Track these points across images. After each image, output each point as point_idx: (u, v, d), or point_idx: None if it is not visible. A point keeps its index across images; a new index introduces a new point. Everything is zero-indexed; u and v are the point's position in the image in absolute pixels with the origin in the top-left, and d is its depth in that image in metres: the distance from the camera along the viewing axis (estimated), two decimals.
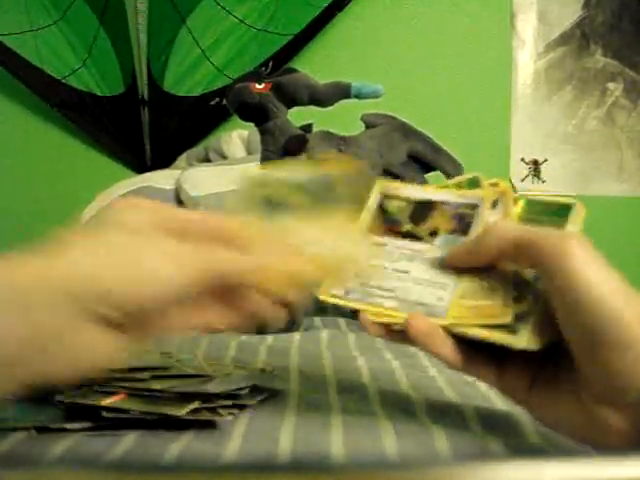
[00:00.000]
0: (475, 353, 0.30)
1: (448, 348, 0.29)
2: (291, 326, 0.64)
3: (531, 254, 0.27)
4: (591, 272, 0.26)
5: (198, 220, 0.30)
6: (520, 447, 0.31)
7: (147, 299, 0.26)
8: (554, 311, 0.27)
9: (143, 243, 0.27)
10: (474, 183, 0.33)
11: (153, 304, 0.27)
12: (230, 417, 0.33)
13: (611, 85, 1.44)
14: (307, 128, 0.71)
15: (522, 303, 0.29)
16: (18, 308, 0.24)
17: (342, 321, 0.70)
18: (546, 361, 0.29)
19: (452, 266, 0.31)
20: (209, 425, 0.33)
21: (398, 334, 0.31)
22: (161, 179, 1.10)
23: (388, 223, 0.34)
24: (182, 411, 0.32)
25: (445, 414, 0.35)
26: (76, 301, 0.25)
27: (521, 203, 0.33)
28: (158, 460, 0.29)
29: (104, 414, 0.32)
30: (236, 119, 0.77)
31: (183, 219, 0.29)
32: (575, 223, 0.31)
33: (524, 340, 0.28)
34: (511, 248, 0.28)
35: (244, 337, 0.62)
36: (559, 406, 0.28)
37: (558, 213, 0.31)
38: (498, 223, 0.30)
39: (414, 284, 0.32)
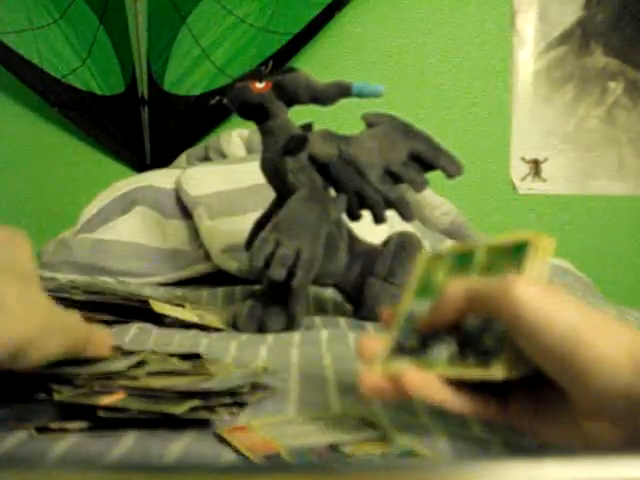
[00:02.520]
0: (474, 396, 0.30)
1: (446, 395, 0.30)
2: (291, 325, 0.64)
3: (481, 306, 0.29)
4: (538, 312, 0.26)
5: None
6: (520, 447, 0.31)
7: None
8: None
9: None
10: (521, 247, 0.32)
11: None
12: (228, 416, 0.33)
13: (611, 84, 1.44)
14: (307, 127, 0.71)
15: (488, 339, 0.29)
16: None
17: (342, 321, 0.70)
18: (540, 388, 0.30)
19: (425, 329, 0.32)
20: (205, 424, 0.33)
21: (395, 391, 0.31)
22: (161, 179, 1.09)
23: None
24: (180, 409, 0.32)
25: (445, 414, 0.35)
26: None
27: (482, 251, 0.33)
28: (158, 460, 0.29)
29: (100, 414, 0.32)
30: (236, 118, 0.77)
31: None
32: (533, 259, 0.31)
33: (499, 371, 0.28)
34: (464, 304, 0.30)
35: (244, 336, 0.62)
36: (560, 429, 0.29)
37: (515, 254, 0.32)
38: (451, 282, 0.31)
39: None
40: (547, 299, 0.27)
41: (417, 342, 0.32)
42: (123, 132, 1.39)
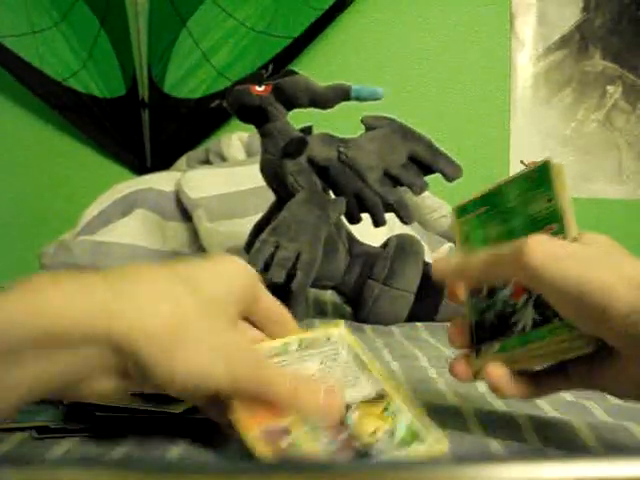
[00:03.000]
0: (535, 378, 0.31)
1: (517, 388, 0.30)
2: None
3: (502, 274, 0.30)
4: (557, 270, 0.27)
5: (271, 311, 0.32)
6: (520, 447, 0.31)
7: (186, 390, 0.27)
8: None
9: (204, 326, 0.27)
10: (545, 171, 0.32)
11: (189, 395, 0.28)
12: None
13: (610, 88, 1.45)
14: (307, 130, 0.71)
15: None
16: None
17: (342, 322, 0.70)
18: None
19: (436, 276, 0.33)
20: (205, 424, 0.33)
21: None
22: (161, 181, 1.10)
23: None
24: (179, 409, 0.32)
25: (445, 415, 0.35)
26: (117, 354, 0.25)
27: (507, 188, 0.33)
28: (158, 460, 0.29)
29: (97, 414, 0.32)
30: (236, 121, 0.77)
31: (260, 306, 0.32)
32: (560, 181, 0.31)
33: (586, 344, 0.28)
34: (485, 272, 0.31)
35: None
36: (617, 379, 0.29)
37: (541, 180, 0.32)
38: (464, 259, 0.32)
39: None
40: (555, 261, 0.27)
41: (495, 315, 0.31)
42: (123, 135, 1.39)
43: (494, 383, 0.30)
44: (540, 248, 0.28)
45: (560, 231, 0.31)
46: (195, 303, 0.27)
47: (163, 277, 0.28)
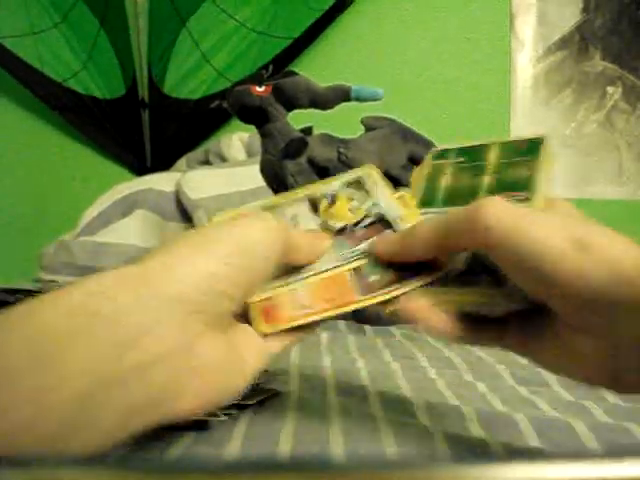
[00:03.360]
0: (472, 324, 0.29)
1: (448, 325, 0.29)
2: None
3: (454, 240, 0.28)
4: (511, 231, 0.25)
5: None
6: (520, 447, 0.31)
7: (259, 271, 0.26)
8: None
9: (228, 220, 0.27)
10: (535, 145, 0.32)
11: (265, 273, 0.26)
12: (225, 418, 0.33)
13: (610, 89, 1.45)
14: (307, 131, 0.72)
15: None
16: (124, 333, 0.22)
17: (341, 323, 0.70)
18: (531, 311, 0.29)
19: (380, 257, 0.31)
20: (204, 425, 0.33)
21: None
22: (161, 182, 1.10)
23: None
24: None
25: (445, 415, 0.35)
26: (183, 302, 0.23)
27: (494, 148, 0.33)
28: (158, 460, 0.29)
29: None
30: (236, 122, 0.77)
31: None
32: (547, 158, 0.31)
33: (517, 299, 0.28)
34: (434, 245, 0.29)
35: None
36: (550, 348, 0.28)
37: (530, 151, 0.32)
38: (418, 224, 0.30)
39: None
40: (516, 220, 0.26)
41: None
42: (123, 135, 1.39)
43: (415, 314, 0.29)
44: (495, 208, 0.26)
45: (526, 200, 0.30)
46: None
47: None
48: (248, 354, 0.28)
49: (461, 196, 0.32)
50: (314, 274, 0.31)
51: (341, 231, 0.33)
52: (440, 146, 0.35)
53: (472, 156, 0.33)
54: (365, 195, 0.34)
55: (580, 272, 0.24)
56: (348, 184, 0.34)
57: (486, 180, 0.32)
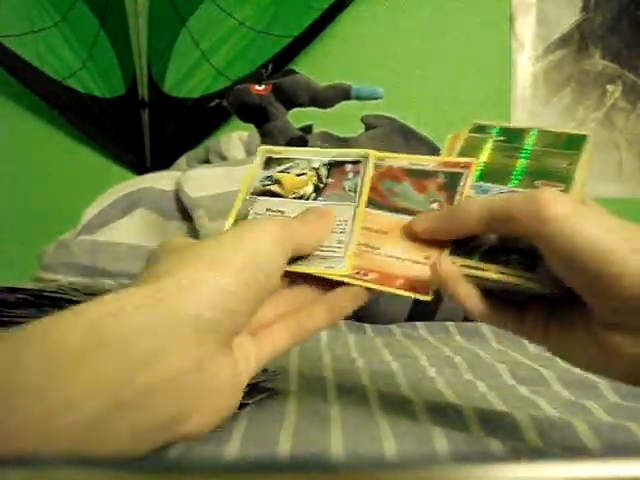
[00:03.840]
0: (495, 303, 0.30)
1: (473, 298, 0.29)
2: None
3: (509, 225, 0.28)
4: (571, 226, 0.26)
5: None
6: (520, 447, 0.31)
7: (267, 285, 0.26)
8: (550, 264, 0.27)
9: (234, 233, 0.27)
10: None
11: (273, 286, 0.27)
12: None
13: (610, 87, 1.45)
14: (307, 129, 0.71)
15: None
16: (138, 354, 0.21)
17: (342, 322, 0.70)
18: (558, 302, 0.30)
19: (419, 236, 0.31)
20: None
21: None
22: (161, 180, 1.10)
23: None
24: None
25: (444, 415, 0.35)
26: (198, 322, 0.23)
27: (532, 134, 0.33)
28: (158, 460, 0.29)
29: None
30: (236, 120, 0.77)
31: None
32: (588, 156, 0.31)
33: (547, 285, 0.28)
34: (486, 222, 0.28)
35: None
36: (574, 340, 0.28)
37: (569, 146, 0.32)
38: (469, 201, 0.30)
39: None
40: (577, 217, 0.26)
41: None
42: (123, 134, 1.39)
43: (447, 278, 0.29)
44: (556, 201, 0.26)
45: (562, 193, 0.30)
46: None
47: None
48: (241, 367, 0.28)
49: (495, 174, 0.32)
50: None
51: (318, 190, 0.34)
52: (479, 121, 0.35)
53: (511, 137, 0.33)
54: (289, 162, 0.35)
55: (637, 275, 0.25)
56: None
57: (522, 163, 0.32)
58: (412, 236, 0.31)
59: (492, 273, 0.29)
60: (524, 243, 0.29)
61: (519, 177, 0.32)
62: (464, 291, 0.29)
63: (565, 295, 0.28)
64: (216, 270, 0.25)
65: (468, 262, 0.30)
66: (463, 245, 0.30)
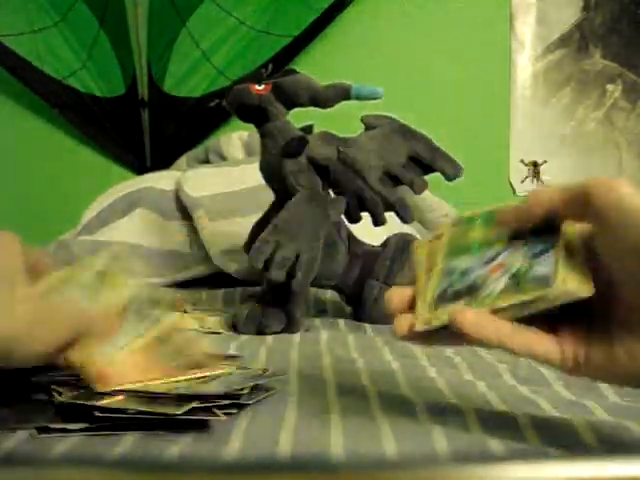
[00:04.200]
0: (530, 334, 0.30)
1: (505, 334, 0.29)
2: (291, 327, 0.64)
3: (581, 205, 0.29)
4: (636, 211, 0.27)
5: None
6: (520, 447, 0.31)
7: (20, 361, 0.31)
8: (603, 256, 0.29)
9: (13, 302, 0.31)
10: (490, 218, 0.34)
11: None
12: (225, 417, 0.33)
13: (610, 87, 1.45)
14: (307, 129, 0.71)
15: (541, 266, 0.29)
16: None
17: (341, 322, 0.70)
18: (593, 320, 0.30)
19: (502, 224, 0.32)
20: (204, 425, 0.33)
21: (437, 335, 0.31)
22: (162, 180, 1.10)
23: None
24: (179, 411, 0.32)
25: (444, 415, 0.35)
26: None
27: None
28: (158, 460, 0.29)
29: (97, 414, 0.32)
30: (236, 120, 0.77)
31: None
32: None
33: (574, 286, 0.28)
34: (559, 205, 0.30)
35: (244, 337, 0.62)
36: (617, 358, 0.29)
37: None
38: (538, 190, 0.31)
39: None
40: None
41: (465, 286, 0.31)
42: (123, 134, 1.39)
43: (466, 322, 0.29)
44: (624, 183, 0.28)
45: None
46: None
47: None
48: None
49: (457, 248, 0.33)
50: None
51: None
52: (461, 216, 0.36)
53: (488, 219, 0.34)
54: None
55: None
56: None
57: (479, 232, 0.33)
58: None
59: (513, 300, 0.29)
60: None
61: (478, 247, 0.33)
62: (493, 328, 0.29)
63: (591, 298, 0.29)
64: None
65: (487, 301, 0.30)
66: (474, 292, 0.31)
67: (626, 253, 0.28)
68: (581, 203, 0.29)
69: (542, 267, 0.29)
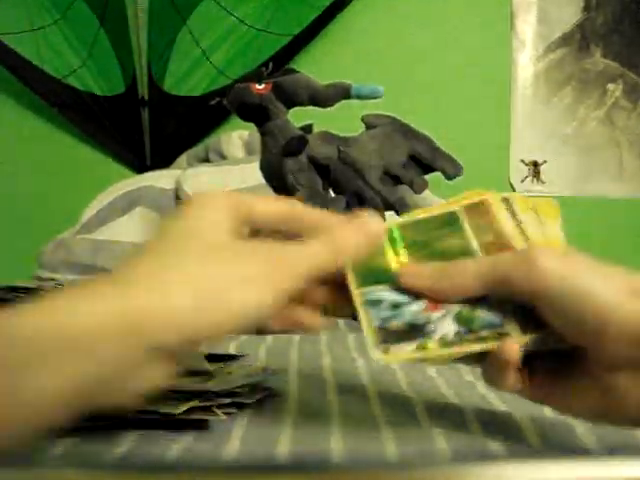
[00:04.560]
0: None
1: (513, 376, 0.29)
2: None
3: (503, 285, 0.28)
4: (563, 280, 0.27)
5: (273, 213, 0.30)
6: (520, 447, 0.31)
7: (227, 331, 0.26)
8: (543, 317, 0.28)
9: (219, 268, 0.26)
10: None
11: (231, 333, 0.26)
12: (225, 417, 0.33)
13: (611, 86, 1.44)
14: (307, 129, 0.71)
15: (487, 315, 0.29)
16: (83, 348, 0.23)
17: (341, 322, 0.70)
18: (557, 359, 0.30)
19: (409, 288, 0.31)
20: (204, 424, 0.33)
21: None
22: (162, 179, 1.10)
23: None
24: (178, 410, 0.32)
25: (445, 414, 0.35)
26: (146, 337, 0.24)
27: (462, 213, 0.34)
28: (158, 460, 0.29)
29: (97, 414, 0.32)
30: (236, 119, 0.77)
31: (260, 214, 0.29)
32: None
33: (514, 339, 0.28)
34: (479, 288, 0.29)
35: (244, 337, 0.62)
36: (581, 392, 0.29)
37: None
38: (458, 265, 0.30)
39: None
40: (567, 265, 0.27)
41: (407, 324, 0.30)
42: (123, 133, 1.39)
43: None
44: (548, 258, 0.27)
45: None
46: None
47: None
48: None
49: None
50: None
51: None
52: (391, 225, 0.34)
53: (446, 224, 0.33)
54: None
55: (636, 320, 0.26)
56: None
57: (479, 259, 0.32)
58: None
59: (477, 347, 0.29)
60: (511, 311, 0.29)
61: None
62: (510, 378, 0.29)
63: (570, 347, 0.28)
64: (176, 295, 0.25)
65: (445, 350, 0.29)
66: (388, 340, 0.30)
67: (570, 323, 0.27)
68: (504, 288, 0.28)
69: (484, 313, 0.29)
